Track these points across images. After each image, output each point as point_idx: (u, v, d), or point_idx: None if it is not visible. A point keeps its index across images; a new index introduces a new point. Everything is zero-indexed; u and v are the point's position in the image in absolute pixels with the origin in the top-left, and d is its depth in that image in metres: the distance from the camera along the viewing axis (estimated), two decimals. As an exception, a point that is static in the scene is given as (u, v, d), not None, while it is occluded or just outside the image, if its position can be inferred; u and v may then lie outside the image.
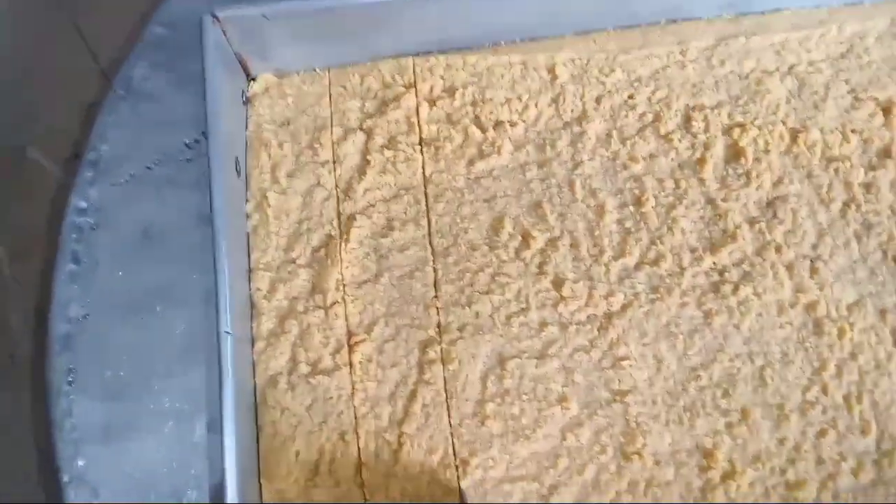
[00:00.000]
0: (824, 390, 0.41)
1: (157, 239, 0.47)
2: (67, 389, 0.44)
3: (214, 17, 0.41)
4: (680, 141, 0.46)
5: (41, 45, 0.68)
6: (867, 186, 0.45)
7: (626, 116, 0.46)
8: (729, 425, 0.40)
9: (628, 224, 0.44)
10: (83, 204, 0.47)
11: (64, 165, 0.64)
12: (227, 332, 0.36)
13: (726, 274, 0.43)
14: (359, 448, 0.40)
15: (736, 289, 0.43)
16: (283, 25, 0.43)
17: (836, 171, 0.45)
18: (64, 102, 0.66)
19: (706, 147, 0.45)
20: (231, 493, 0.35)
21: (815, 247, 0.44)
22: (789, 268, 0.43)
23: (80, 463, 0.42)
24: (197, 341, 0.45)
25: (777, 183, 0.45)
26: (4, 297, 0.60)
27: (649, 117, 0.46)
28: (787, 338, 0.42)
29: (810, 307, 0.43)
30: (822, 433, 0.40)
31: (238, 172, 0.43)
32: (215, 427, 0.41)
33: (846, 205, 0.44)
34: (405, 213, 0.44)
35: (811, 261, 0.43)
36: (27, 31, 0.68)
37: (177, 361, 0.44)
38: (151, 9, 0.52)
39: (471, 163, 0.45)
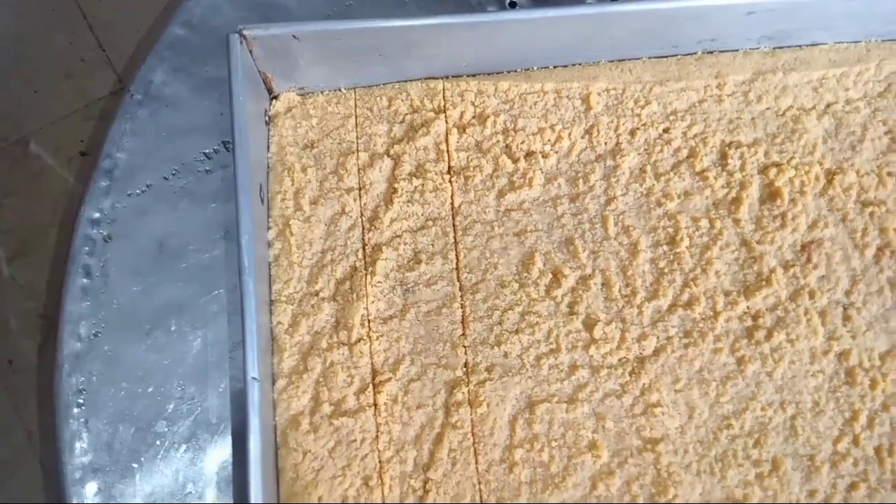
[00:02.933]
0: (855, 442, 0.40)
1: (173, 253, 0.45)
2: (77, 412, 0.42)
3: (242, 35, 0.39)
4: (716, 179, 0.44)
5: (46, 34, 0.65)
6: (902, 232, 0.44)
7: (661, 151, 0.45)
8: (759, 476, 0.40)
9: (662, 264, 0.43)
10: (96, 215, 0.45)
11: (69, 163, 0.62)
12: (255, 379, 0.34)
13: (760, 319, 0.42)
14: (383, 494, 0.38)
15: (769, 335, 0.42)
16: (311, 45, 0.41)
17: (872, 215, 0.44)
18: (69, 96, 0.63)
19: (742, 186, 0.44)
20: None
21: (848, 293, 0.43)
22: (822, 314, 0.42)
23: (90, 487, 0.41)
24: (213, 361, 0.44)
25: (812, 226, 0.44)
26: (4, 298, 0.58)
27: (684, 153, 0.45)
28: (819, 387, 0.41)
29: (843, 356, 0.42)
30: (853, 486, 0.40)
31: (262, 200, 0.41)
32: (238, 468, 0.40)
33: (880, 250, 0.44)
34: (433, 245, 0.43)
35: (844, 308, 0.43)
36: (33, 20, 0.65)
37: (191, 383, 0.43)
38: (170, 7, 0.50)
39: (501, 194, 0.44)
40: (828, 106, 0.47)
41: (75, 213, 0.44)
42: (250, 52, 0.40)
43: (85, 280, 0.43)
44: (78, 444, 0.41)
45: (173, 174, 0.46)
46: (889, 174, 0.45)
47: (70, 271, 0.43)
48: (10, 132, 0.62)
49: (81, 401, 0.41)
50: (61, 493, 0.40)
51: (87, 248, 0.44)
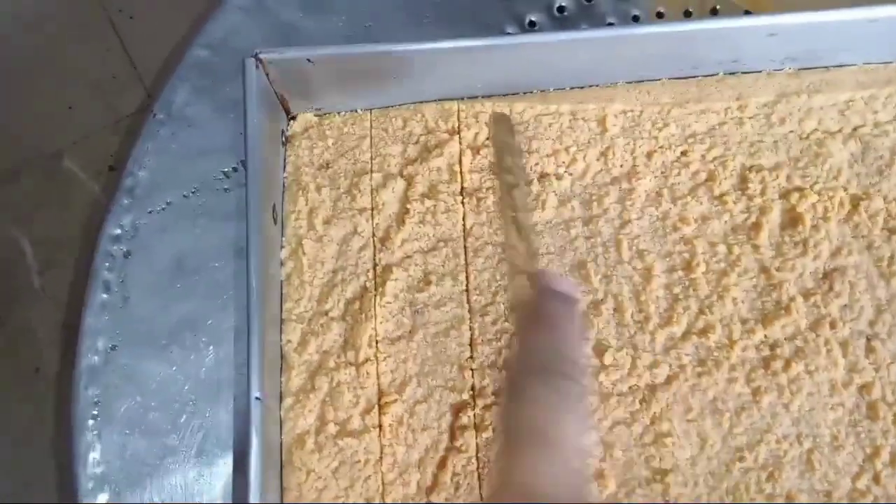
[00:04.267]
0: (876, 479, 0.39)
1: (190, 270, 0.46)
2: (92, 423, 0.43)
3: (258, 59, 0.39)
4: (735, 203, 0.44)
5: (80, 50, 0.67)
6: (931, 261, 0.42)
7: (679, 174, 0.44)
8: (773, 511, 0.39)
9: (676, 290, 0.42)
10: (117, 231, 0.46)
11: (98, 177, 0.63)
12: (258, 398, 0.35)
13: (778, 349, 0.41)
14: (386, 517, 0.38)
15: (787, 365, 0.41)
16: (326, 68, 0.42)
17: (899, 242, 0.43)
18: (101, 111, 0.65)
19: (762, 211, 0.43)
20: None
21: (872, 324, 0.42)
22: (844, 345, 0.41)
23: (102, 498, 0.42)
24: (225, 377, 0.44)
25: (835, 253, 0.43)
26: (33, 309, 0.60)
27: (703, 176, 0.44)
28: (839, 420, 0.40)
29: (864, 389, 0.40)
30: (872, 526, 0.38)
31: (275, 219, 0.41)
32: (239, 484, 0.41)
33: (907, 280, 0.42)
34: (443, 266, 0.43)
35: (867, 339, 0.41)
36: (66, 36, 0.67)
37: (203, 398, 0.44)
38: (195, 27, 0.51)
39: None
40: (854, 129, 0.45)
41: (97, 229, 0.45)
42: (266, 74, 0.41)
43: (104, 295, 0.44)
44: (91, 455, 0.42)
45: (193, 192, 0.47)
46: (918, 201, 0.44)
47: (90, 286, 0.44)
48: (44, 146, 0.64)
49: (96, 412, 0.42)
50: (74, 501, 0.41)
51: (107, 264, 0.45)
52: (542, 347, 0.30)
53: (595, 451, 0.34)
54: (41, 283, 0.61)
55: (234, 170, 0.47)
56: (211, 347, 0.44)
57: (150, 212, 0.46)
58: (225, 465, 0.42)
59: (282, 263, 0.43)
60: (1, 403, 0.58)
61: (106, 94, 0.66)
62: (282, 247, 0.43)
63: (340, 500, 0.38)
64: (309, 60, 0.40)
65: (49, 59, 0.67)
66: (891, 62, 0.47)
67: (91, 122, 0.66)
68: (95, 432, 0.42)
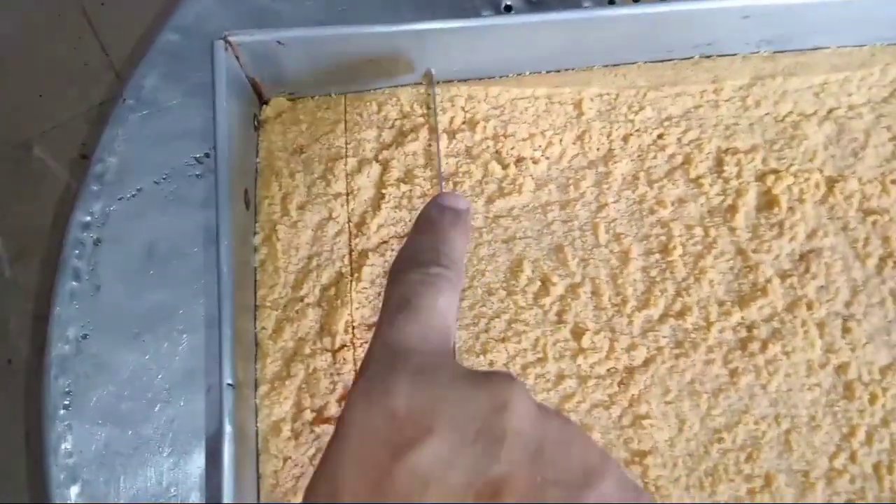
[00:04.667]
0: (853, 458, 0.39)
1: (162, 258, 0.45)
2: (63, 413, 0.42)
3: (227, 41, 0.39)
4: (711, 186, 0.43)
5: (50, 38, 0.66)
6: (905, 241, 0.43)
7: (655, 157, 0.44)
8: (751, 492, 0.39)
9: (654, 273, 0.42)
10: (87, 218, 0.46)
11: (69, 166, 0.62)
12: (230, 385, 0.34)
13: (755, 330, 0.41)
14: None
15: (764, 347, 0.41)
16: (297, 51, 0.41)
17: (874, 224, 0.43)
18: (72, 99, 0.64)
19: (738, 194, 0.43)
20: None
21: (848, 304, 0.42)
22: (820, 326, 0.41)
23: (74, 489, 0.41)
24: (198, 366, 0.44)
25: (811, 235, 0.43)
26: (4, 299, 0.59)
27: (679, 159, 0.44)
28: (816, 401, 0.40)
29: (841, 369, 0.41)
30: (849, 504, 0.38)
31: (247, 204, 0.41)
32: (213, 472, 0.40)
33: (883, 261, 0.42)
34: (420, 251, 0.42)
35: (844, 319, 0.41)
36: (36, 24, 0.66)
37: (177, 387, 0.43)
38: (165, 11, 0.51)
39: (490, 200, 0.43)
40: (829, 111, 0.45)
41: (66, 217, 0.44)
42: (237, 57, 0.40)
43: (74, 283, 0.44)
44: (63, 446, 0.41)
45: (164, 179, 0.46)
46: (893, 182, 0.44)
47: (60, 274, 0.43)
48: (13, 136, 0.63)
49: (68, 402, 0.41)
50: (45, 494, 0.40)
51: (77, 252, 0.44)
52: (419, 245, 0.31)
53: (454, 329, 0.33)
54: (12, 274, 0.60)
55: (207, 156, 0.46)
56: (185, 336, 0.44)
57: (120, 199, 0.45)
58: (200, 456, 0.42)
59: (255, 250, 0.42)
60: (-28, 398, 0.57)
61: (77, 81, 0.65)
62: (255, 233, 0.42)
63: (316, 488, 0.38)
64: (279, 42, 0.40)
65: (18, 47, 0.66)
66: (865, 45, 0.47)
67: (62, 111, 0.65)
68: (67, 423, 0.41)
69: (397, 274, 0.30)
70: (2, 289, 0.59)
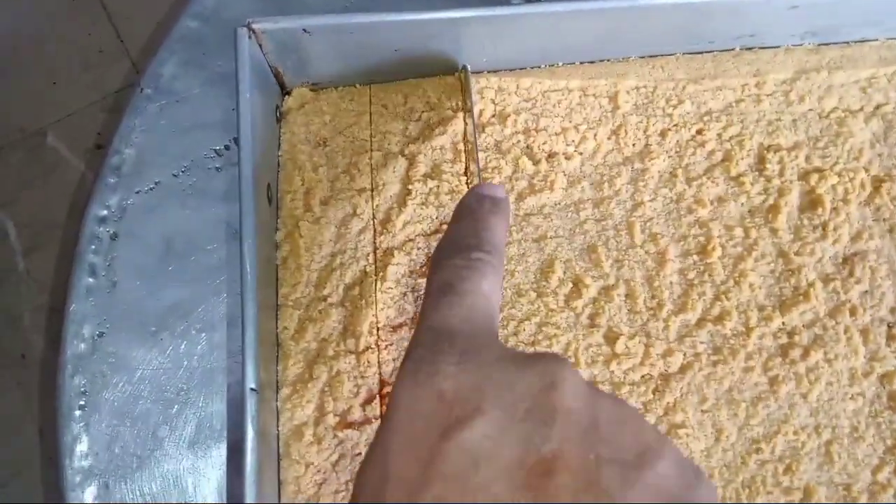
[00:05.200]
0: (897, 472, 0.38)
1: (180, 253, 0.44)
2: (79, 414, 0.41)
3: (251, 29, 0.37)
4: (752, 184, 0.42)
5: (65, 24, 0.65)
6: (955, 245, 0.41)
7: (694, 154, 0.42)
8: (791, 505, 0.37)
9: (691, 275, 0.40)
10: (103, 212, 0.44)
11: (84, 155, 0.61)
12: (254, 390, 0.33)
13: (796, 337, 0.39)
14: (388, 511, 0.37)
15: (805, 354, 0.39)
16: (323, 39, 0.39)
17: (922, 226, 0.41)
18: (86, 86, 0.63)
19: (780, 193, 0.41)
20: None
21: (893, 310, 0.40)
22: (864, 333, 0.39)
23: (90, 492, 0.40)
24: (217, 366, 0.42)
25: (855, 237, 0.41)
26: (18, 292, 0.58)
27: (719, 156, 0.42)
28: (858, 411, 0.38)
29: (885, 378, 0.39)
30: (892, 519, 0.37)
31: (270, 200, 0.39)
32: (234, 477, 0.39)
33: (931, 265, 0.41)
34: (447, 250, 0.41)
35: (889, 326, 0.40)
36: (50, 10, 0.65)
37: (195, 387, 0.42)
38: (182, -1, 0.49)
39: (520, 197, 0.42)
40: (877, 107, 0.43)
41: (82, 210, 0.43)
42: (260, 46, 0.39)
43: (90, 279, 0.42)
44: (78, 447, 0.40)
45: (183, 171, 0.44)
46: (942, 182, 0.42)
47: (76, 270, 0.42)
48: (27, 124, 0.62)
49: (83, 402, 0.40)
50: (61, 495, 0.39)
51: (93, 247, 0.43)
52: (460, 232, 0.31)
53: (498, 313, 0.32)
54: (26, 266, 0.59)
55: (226, 147, 0.45)
56: (203, 334, 0.42)
57: (137, 192, 0.44)
58: (219, 457, 0.41)
59: (277, 246, 0.41)
60: (-14, 391, 0.56)
61: (92, 68, 0.64)
62: (277, 229, 0.41)
63: (341, 494, 0.37)
64: (305, 31, 0.38)
65: (32, 34, 0.64)
66: (914, 37, 0.45)
67: (76, 99, 0.64)
68: (82, 423, 0.40)
69: (440, 260, 0.29)
70: (15, 282, 0.58)
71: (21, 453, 0.53)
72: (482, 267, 0.28)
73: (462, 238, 0.30)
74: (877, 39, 0.45)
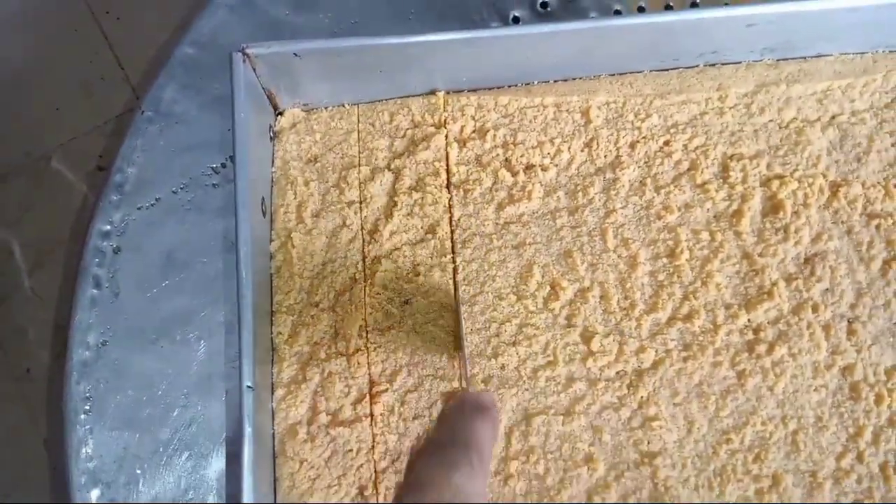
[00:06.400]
0: (860, 458, 0.40)
1: (180, 265, 0.46)
2: (84, 418, 0.43)
3: (245, 54, 0.40)
4: (717, 191, 0.44)
5: (67, 52, 0.68)
6: (909, 245, 0.43)
7: (662, 164, 0.45)
8: (759, 492, 0.39)
9: (661, 277, 0.43)
10: (106, 227, 0.47)
11: (86, 178, 0.64)
12: (250, 387, 0.35)
13: (761, 333, 0.42)
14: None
15: (771, 349, 0.41)
16: (312, 62, 0.42)
17: (878, 227, 0.44)
18: (89, 112, 0.66)
19: (744, 199, 0.44)
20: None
21: (853, 307, 0.42)
22: (826, 328, 0.42)
23: (95, 493, 0.42)
24: (216, 371, 0.45)
25: (815, 239, 0.43)
26: (23, 309, 0.60)
27: (685, 165, 0.45)
28: (822, 402, 0.41)
29: (847, 370, 0.41)
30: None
31: (264, 213, 0.42)
32: (232, 474, 0.41)
33: (887, 263, 0.43)
34: (431, 257, 0.43)
35: (849, 321, 0.42)
36: (54, 39, 0.68)
37: (195, 392, 0.44)
38: (182, 26, 0.52)
39: (500, 207, 0.44)
40: (833, 118, 0.46)
41: (87, 226, 0.46)
42: (254, 69, 0.41)
43: (94, 291, 0.45)
44: (84, 450, 0.42)
45: (182, 188, 0.47)
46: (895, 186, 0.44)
47: (80, 282, 0.44)
48: (32, 148, 0.65)
49: (88, 408, 0.42)
50: (67, 497, 0.41)
51: (97, 260, 0.45)
52: (446, 435, 0.30)
53: None
54: (31, 284, 0.61)
55: (223, 165, 0.48)
56: (202, 341, 0.45)
57: (139, 208, 0.46)
58: (218, 459, 0.43)
59: (271, 256, 0.43)
60: (-8, 404, 0.58)
61: (94, 95, 0.67)
62: (271, 240, 0.43)
63: (333, 489, 0.39)
64: (296, 55, 0.41)
65: (36, 62, 0.67)
66: (867, 52, 0.48)
67: (79, 124, 0.66)
68: (87, 427, 0.42)
69: (415, 460, 0.29)
70: (21, 299, 0.60)
71: (25, 465, 0.55)
72: (458, 464, 0.28)
73: (446, 438, 0.30)
74: (831, 55, 0.48)
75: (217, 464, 0.42)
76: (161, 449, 0.42)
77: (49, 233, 0.63)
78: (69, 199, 0.63)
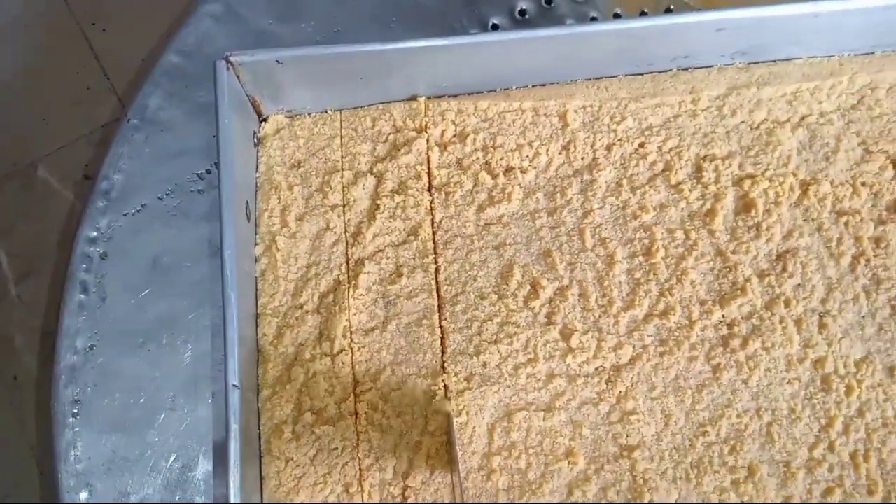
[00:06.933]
0: (831, 448, 0.41)
1: (166, 270, 0.47)
2: (72, 421, 0.44)
3: (229, 62, 0.41)
4: (690, 191, 0.46)
5: (54, 64, 0.68)
6: (877, 241, 0.45)
7: (637, 165, 0.46)
8: (735, 482, 0.40)
9: (637, 275, 0.44)
10: (93, 233, 0.47)
11: (73, 186, 0.64)
12: (235, 386, 0.36)
13: (735, 328, 0.43)
14: (363, 501, 0.39)
15: (745, 343, 0.42)
16: (295, 70, 0.43)
17: (846, 224, 0.45)
18: (75, 122, 0.67)
19: (717, 198, 0.45)
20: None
21: (823, 301, 0.44)
22: (798, 322, 0.43)
23: (84, 495, 0.42)
24: (202, 374, 0.45)
25: (787, 236, 0.45)
26: (10, 317, 0.61)
27: (660, 166, 0.46)
28: (795, 394, 0.42)
29: (818, 363, 0.42)
30: (828, 491, 0.40)
31: (249, 217, 0.43)
32: (220, 473, 0.41)
33: (855, 259, 0.44)
34: (414, 259, 0.44)
35: (820, 315, 0.43)
36: (40, 51, 0.68)
37: (181, 394, 0.45)
38: (167, 35, 0.53)
39: (481, 209, 0.45)
40: (802, 118, 0.48)
41: (74, 233, 0.46)
42: (237, 77, 0.42)
43: (82, 296, 0.45)
44: (73, 453, 0.42)
45: (167, 194, 0.48)
46: (863, 184, 0.46)
47: (68, 288, 0.45)
48: (19, 158, 0.65)
49: (76, 411, 0.43)
50: (56, 499, 0.41)
51: (84, 266, 0.46)
52: None
53: None
54: (17, 292, 0.61)
55: (208, 172, 0.48)
56: (188, 345, 0.45)
57: (125, 214, 0.47)
58: (204, 460, 0.43)
59: (256, 260, 0.44)
60: (-21, 411, 0.58)
61: (80, 105, 0.67)
62: (256, 244, 0.44)
63: (319, 486, 0.39)
64: (278, 62, 0.42)
65: (24, 73, 0.68)
66: (833, 55, 0.49)
67: (65, 133, 0.67)
68: (76, 430, 0.43)
69: None
70: (7, 307, 0.60)
71: (13, 471, 0.55)
72: None
73: None
74: (800, 58, 0.49)
75: (204, 465, 0.43)
76: (148, 451, 0.43)
77: (36, 241, 0.63)
78: (56, 207, 0.64)
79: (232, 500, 0.34)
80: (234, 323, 0.36)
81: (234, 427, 0.35)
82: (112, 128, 0.59)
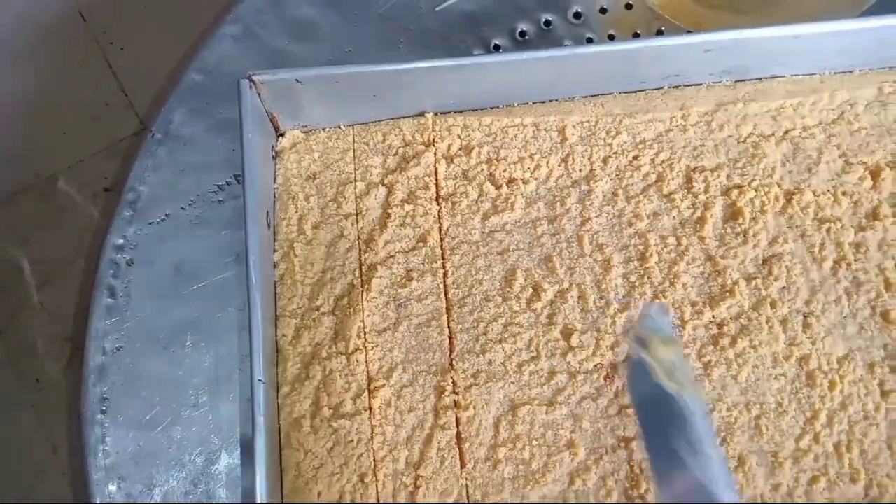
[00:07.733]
0: (816, 439, 0.44)
1: (188, 275, 0.50)
2: (101, 418, 0.46)
3: (251, 80, 0.44)
4: (682, 201, 0.49)
5: (74, 81, 0.71)
6: (857, 246, 0.48)
7: (631, 176, 0.49)
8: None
9: (633, 278, 0.47)
10: (120, 241, 0.50)
11: (93, 198, 0.67)
12: (261, 381, 0.38)
13: (725, 327, 0.46)
14: (377, 490, 0.42)
15: (734, 342, 0.45)
16: (312, 87, 0.46)
17: (828, 231, 0.48)
18: (94, 137, 0.69)
19: (706, 207, 0.48)
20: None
21: (807, 303, 0.47)
22: (783, 322, 0.46)
23: (112, 488, 0.45)
24: (223, 373, 0.48)
25: (772, 242, 0.48)
26: (32, 323, 0.63)
27: (653, 177, 0.49)
28: (782, 389, 0.45)
29: (803, 360, 0.45)
30: (813, 480, 0.43)
31: (269, 225, 0.45)
32: (245, 463, 0.44)
33: (837, 263, 0.47)
34: (423, 264, 0.47)
35: (804, 316, 0.46)
36: (60, 68, 0.71)
37: (203, 393, 0.47)
38: (188, 54, 0.56)
39: (485, 217, 0.48)
40: (786, 132, 0.51)
41: (102, 241, 0.49)
42: (258, 94, 0.45)
43: (110, 300, 0.48)
44: (101, 448, 0.45)
45: (190, 204, 0.51)
46: (843, 193, 0.49)
47: (96, 292, 0.48)
48: (40, 171, 0.68)
49: (105, 408, 0.45)
50: (87, 492, 0.44)
51: (111, 272, 0.49)
52: None
53: None
54: (40, 299, 0.64)
55: (228, 183, 0.51)
56: (210, 347, 0.48)
57: (150, 223, 0.50)
58: (226, 455, 0.46)
59: (275, 265, 0.47)
60: (3, 413, 0.61)
61: (99, 120, 0.70)
62: (275, 250, 0.47)
63: (336, 476, 0.42)
64: (298, 81, 0.45)
65: (44, 90, 0.71)
66: (815, 74, 0.53)
67: (85, 147, 0.70)
68: (105, 426, 0.45)
69: None
70: (30, 314, 0.63)
71: (35, 470, 0.58)
72: None
73: None
74: (783, 76, 0.52)
75: (225, 459, 0.46)
76: (173, 446, 0.45)
77: (57, 251, 0.66)
78: (76, 217, 0.67)
79: (258, 490, 0.37)
80: (258, 324, 0.39)
81: (260, 420, 0.38)
82: (132, 142, 0.62)
